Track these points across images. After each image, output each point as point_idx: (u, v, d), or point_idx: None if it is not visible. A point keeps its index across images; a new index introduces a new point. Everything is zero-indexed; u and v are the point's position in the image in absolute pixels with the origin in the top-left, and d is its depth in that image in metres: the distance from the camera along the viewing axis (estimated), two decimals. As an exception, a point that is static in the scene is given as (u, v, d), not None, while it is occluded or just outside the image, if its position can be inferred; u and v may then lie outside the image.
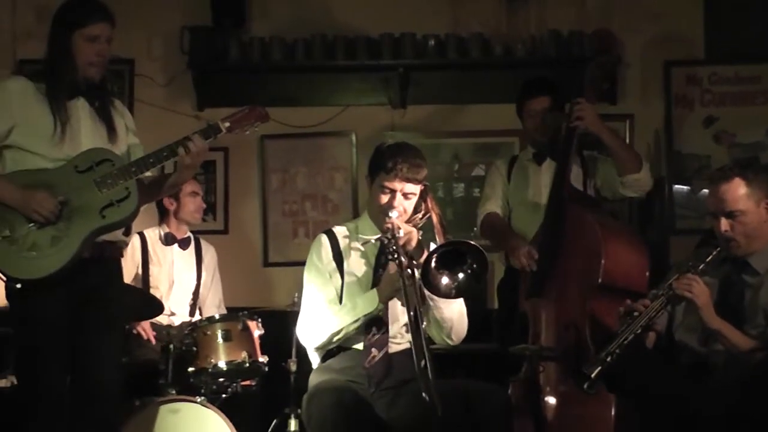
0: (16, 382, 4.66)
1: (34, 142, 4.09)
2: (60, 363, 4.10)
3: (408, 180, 4.16)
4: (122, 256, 4.48)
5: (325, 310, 4.23)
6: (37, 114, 4.11)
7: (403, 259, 3.98)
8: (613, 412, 4.29)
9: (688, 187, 6.70)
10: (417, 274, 4.00)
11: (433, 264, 3.95)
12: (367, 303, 4.13)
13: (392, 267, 4.07)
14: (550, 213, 4.90)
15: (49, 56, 4.23)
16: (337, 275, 4.28)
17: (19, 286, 4.01)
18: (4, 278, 4.03)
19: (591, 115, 4.99)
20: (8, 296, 4.11)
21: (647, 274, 4.65)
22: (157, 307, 5.40)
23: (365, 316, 4.14)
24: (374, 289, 4.15)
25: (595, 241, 4.58)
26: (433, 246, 4.15)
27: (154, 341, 5.50)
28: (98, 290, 4.19)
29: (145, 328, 5.56)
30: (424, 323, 4.04)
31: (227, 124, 4.33)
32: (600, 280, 4.54)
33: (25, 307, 4.08)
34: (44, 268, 3.98)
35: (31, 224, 4.00)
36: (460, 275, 3.97)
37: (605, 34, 5.49)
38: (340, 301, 4.26)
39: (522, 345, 4.79)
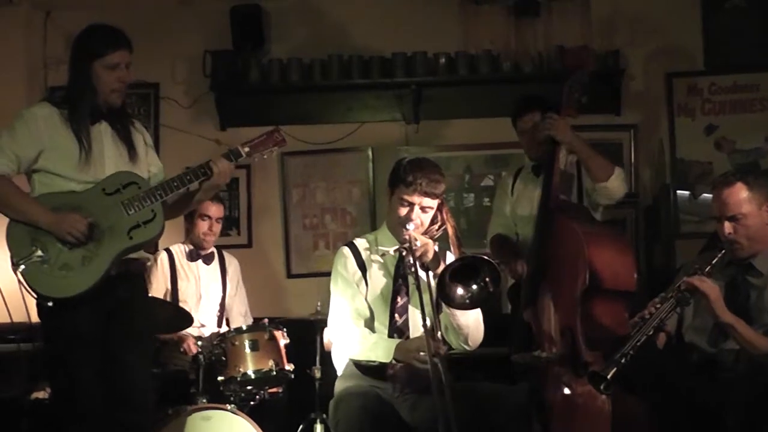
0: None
1: (61, 166, 4.19)
2: (93, 374, 4.16)
3: (426, 194, 4.24)
4: (146, 270, 4.60)
5: (353, 326, 4.32)
6: (64, 139, 4.20)
7: (419, 270, 4.09)
8: (609, 407, 4.36)
9: (690, 192, 6.79)
10: (433, 284, 4.08)
11: (447, 276, 4.03)
12: (384, 353, 4.21)
13: (415, 341, 4.14)
14: (539, 224, 4.98)
15: (70, 84, 4.31)
16: (363, 284, 4.37)
17: (50, 304, 4.08)
18: (36, 296, 4.09)
19: (560, 126, 5.05)
20: (40, 313, 4.19)
21: (635, 274, 4.67)
22: (186, 319, 5.50)
23: (380, 362, 4.25)
24: (395, 344, 4.20)
25: (579, 246, 4.61)
26: (449, 255, 4.27)
27: (194, 351, 5.50)
28: (125, 303, 4.28)
29: (189, 344, 5.60)
30: (440, 331, 4.14)
31: (247, 149, 4.45)
32: (588, 283, 4.56)
33: (56, 323, 4.15)
34: (75, 286, 4.09)
35: (63, 245, 4.10)
36: (474, 287, 4.05)
37: (578, 50, 5.48)
38: (370, 310, 4.36)
39: (522, 353, 4.84)
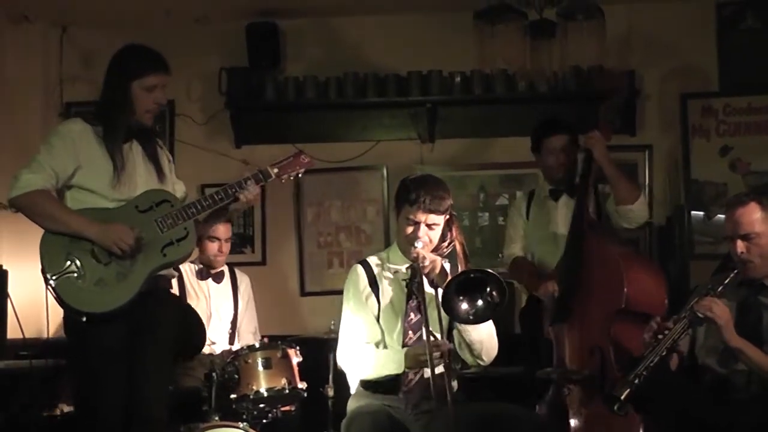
0: (67, 410, 4.74)
1: (96, 183, 4.20)
2: (119, 389, 4.18)
3: (431, 211, 4.25)
4: (171, 287, 4.60)
5: (364, 346, 4.34)
6: (98, 156, 4.21)
7: (425, 286, 4.14)
8: (641, 429, 4.36)
9: (704, 213, 6.79)
10: (439, 300, 4.06)
11: (453, 291, 4.03)
12: (395, 365, 4.22)
13: (419, 349, 4.17)
14: (572, 243, 5.00)
15: (105, 102, 4.31)
16: (374, 299, 4.39)
17: (84, 319, 4.08)
18: (70, 311, 4.10)
19: (600, 146, 5.10)
20: (67, 327, 4.21)
21: (666, 299, 4.72)
22: (204, 335, 5.51)
23: (390, 375, 4.26)
24: (404, 353, 4.23)
25: (617, 269, 4.67)
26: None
27: None
28: (150, 316, 4.27)
29: None
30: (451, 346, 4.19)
31: (276, 170, 4.47)
32: (623, 306, 4.62)
33: (85, 338, 4.16)
34: (110, 302, 4.10)
35: (98, 261, 4.11)
36: (479, 302, 4.04)
37: (617, 73, 5.52)
38: (378, 321, 4.37)
39: (548, 369, 4.88)
